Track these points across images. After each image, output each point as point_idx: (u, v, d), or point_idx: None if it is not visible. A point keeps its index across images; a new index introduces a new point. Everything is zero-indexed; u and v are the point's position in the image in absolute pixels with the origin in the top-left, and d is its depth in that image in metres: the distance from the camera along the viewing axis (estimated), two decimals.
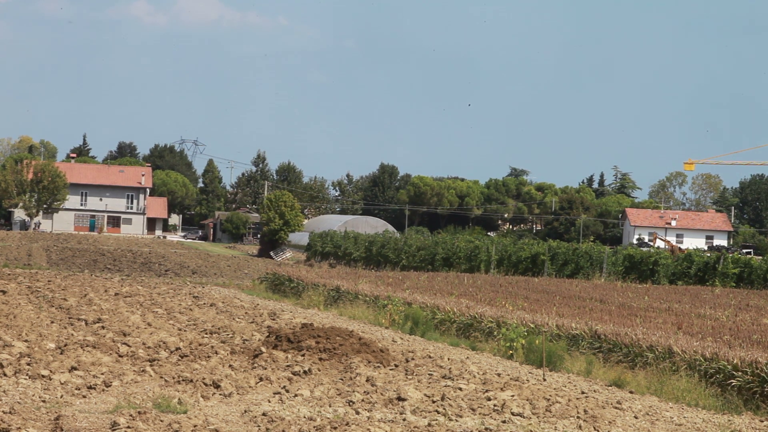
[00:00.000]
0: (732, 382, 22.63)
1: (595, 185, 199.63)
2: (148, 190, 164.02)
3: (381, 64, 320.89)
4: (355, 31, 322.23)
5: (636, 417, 19.79)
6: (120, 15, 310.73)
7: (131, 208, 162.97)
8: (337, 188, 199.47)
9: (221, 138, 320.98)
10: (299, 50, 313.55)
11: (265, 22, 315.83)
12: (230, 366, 22.08)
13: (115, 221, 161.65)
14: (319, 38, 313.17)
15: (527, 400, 19.99)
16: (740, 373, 22.62)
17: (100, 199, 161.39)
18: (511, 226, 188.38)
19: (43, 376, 19.81)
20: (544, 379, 24.19)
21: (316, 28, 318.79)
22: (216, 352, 23.48)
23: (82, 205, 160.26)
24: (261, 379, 20.87)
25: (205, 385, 19.91)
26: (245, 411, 18.02)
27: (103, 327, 29.08)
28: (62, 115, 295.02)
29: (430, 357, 25.51)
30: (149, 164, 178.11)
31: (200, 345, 24.48)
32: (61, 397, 18.40)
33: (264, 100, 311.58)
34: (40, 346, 23.17)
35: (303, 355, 23.62)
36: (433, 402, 19.36)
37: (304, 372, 21.79)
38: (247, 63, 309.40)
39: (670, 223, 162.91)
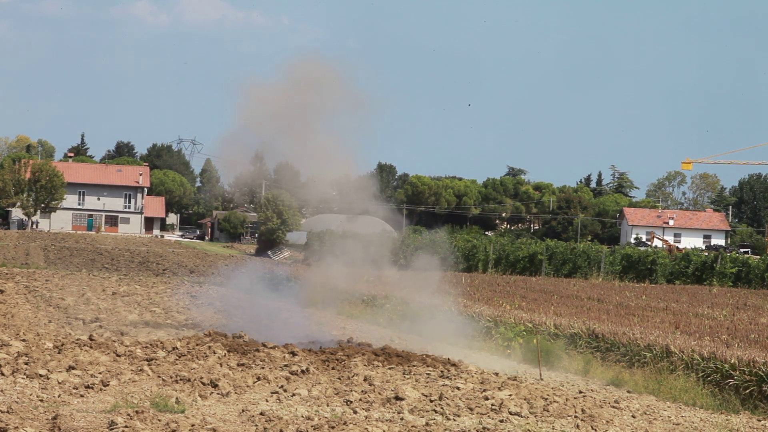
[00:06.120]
0: (729, 382, 22.64)
1: (593, 185, 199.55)
2: (145, 189, 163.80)
3: (381, 64, 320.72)
4: (357, 30, 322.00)
5: (634, 416, 19.80)
6: (123, 14, 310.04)
7: (129, 208, 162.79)
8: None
9: (219, 137, 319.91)
10: (300, 49, 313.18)
11: (268, 21, 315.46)
12: (228, 365, 22.07)
13: (112, 221, 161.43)
14: (321, 38, 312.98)
15: (525, 399, 20.00)
16: (738, 373, 22.64)
17: (98, 199, 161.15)
18: (508, 226, 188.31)
19: (41, 376, 19.80)
20: (542, 379, 24.20)
21: (318, 27, 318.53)
22: (214, 352, 23.48)
23: (79, 204, 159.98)
24: (258, 379, 20.87)
25: (203, 384, 19.90)
26: (243, 410, 18.02)
27: (100, 326, 29.09)
28: (60, 114, 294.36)
29: (427, 355, 25.51)
30: (147, 164, 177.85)
31: (198, 344, 24.47)
32: (59, 396, 18.39)
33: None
34: (38, 345, 23.15)
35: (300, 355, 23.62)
36: (431, 401, 19.35)
37: (302, 371, 21.78)
38: (248, 62, 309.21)
39: (667, 223, 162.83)
